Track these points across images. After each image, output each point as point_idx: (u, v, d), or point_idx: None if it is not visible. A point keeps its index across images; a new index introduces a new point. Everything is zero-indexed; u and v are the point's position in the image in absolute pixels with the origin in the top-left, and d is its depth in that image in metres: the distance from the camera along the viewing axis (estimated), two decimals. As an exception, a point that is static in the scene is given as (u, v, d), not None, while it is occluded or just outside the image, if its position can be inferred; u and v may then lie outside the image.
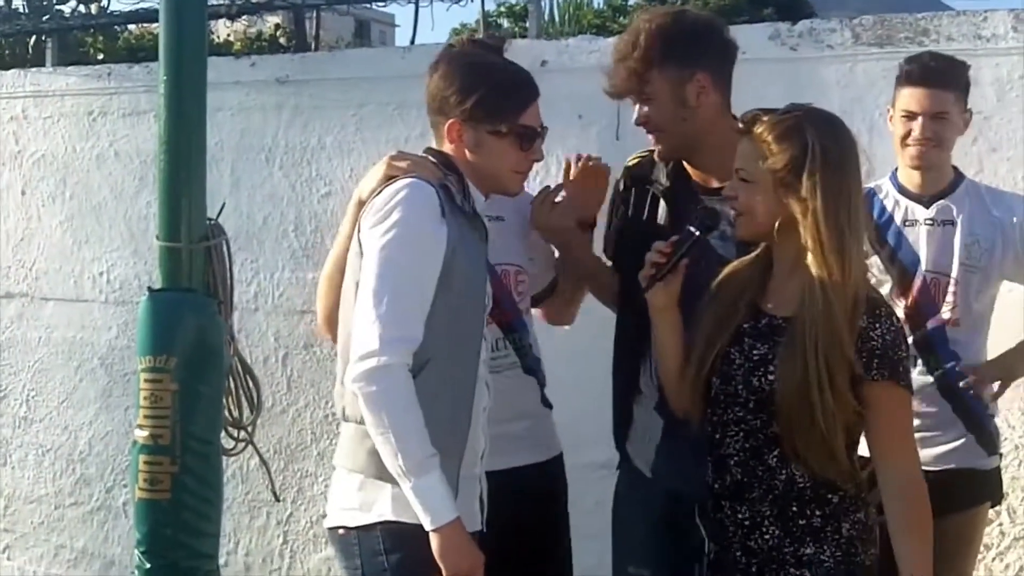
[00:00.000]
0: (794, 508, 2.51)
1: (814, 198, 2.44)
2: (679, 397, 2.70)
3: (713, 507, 2.61)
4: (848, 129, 2.57)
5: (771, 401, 2.47)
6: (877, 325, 2.47)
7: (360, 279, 2.45)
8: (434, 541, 2.37)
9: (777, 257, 2.58)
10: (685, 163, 2.99)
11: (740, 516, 2.55)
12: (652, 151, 3.05)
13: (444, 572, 2.38)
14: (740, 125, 2.56)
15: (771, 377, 2.48)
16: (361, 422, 2.43)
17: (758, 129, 2.50)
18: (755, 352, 2.53)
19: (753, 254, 2.65)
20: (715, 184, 2.89)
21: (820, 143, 2.45)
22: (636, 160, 3.14)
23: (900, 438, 2.54)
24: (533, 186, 3.16)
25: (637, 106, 2.94)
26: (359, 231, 2.52)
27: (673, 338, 2.70)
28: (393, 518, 2.44)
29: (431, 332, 2.41)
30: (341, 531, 2.56)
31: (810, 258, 2.46)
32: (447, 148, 2.61)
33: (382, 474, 2.41)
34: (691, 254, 2.64)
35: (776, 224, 2.51)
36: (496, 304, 2.85)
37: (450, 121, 2.57)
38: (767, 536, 2.53)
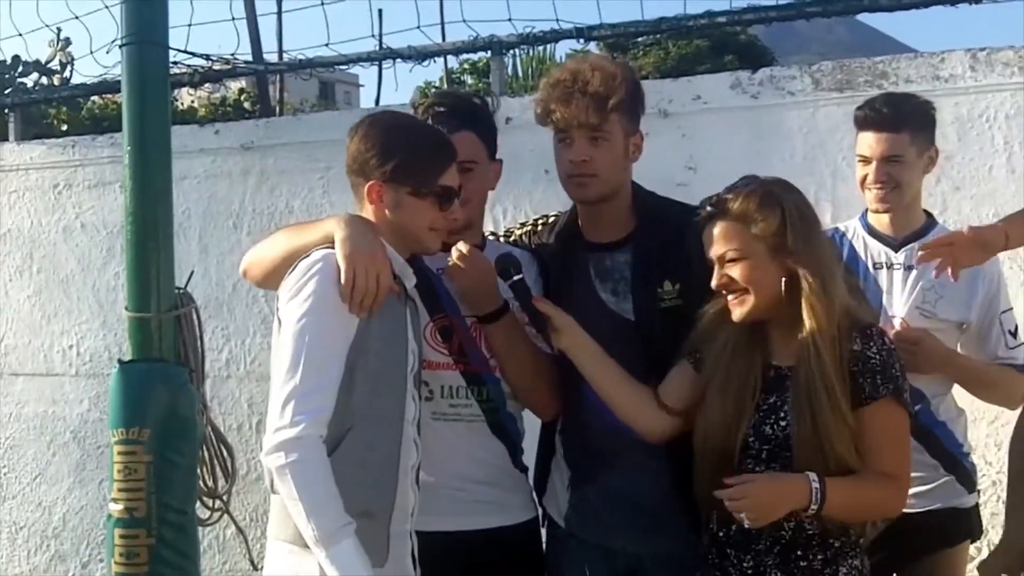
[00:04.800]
0: (798, 552, 2.54)
1: (800, 253, 2.53)
2: (656, 423, 2.74)
3: (717, 555, 2.64)
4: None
5: (785, 447, 2.52)
6: (871, 343, 2.53)
7: (278, 352, 2.49)
8: None
9: (776, 316, 2.61)
10: (581, 219, 3.01)
11: (745, 564, 2.58)
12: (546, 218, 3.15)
13: None
14: (708, 209, 2.60)
15: (783, 423, 2.53)
16: None
17: (736, 206, 2.55)
18: (766, 403, 2.58)
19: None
20: (605, 239, 2.94)
21: (792, 202, 2.57)
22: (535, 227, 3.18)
23: (902, 460, 2.56)
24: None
25: (575, 144, 2.83)
26: (277, 304, 2.56)
27: (601, 367, 2.76)
28: None
29: (351, 399, 2.45)
30: None
31: (804, 309, 2.52)
32: (367, 209, 2.63)
33: (307, 542, 2.42)
34: (524, 296, 2.76)
35: (782, 286, 2.55)
36: (462, 354, 2.88)
37: (370, 183, 2.59)
38: None
